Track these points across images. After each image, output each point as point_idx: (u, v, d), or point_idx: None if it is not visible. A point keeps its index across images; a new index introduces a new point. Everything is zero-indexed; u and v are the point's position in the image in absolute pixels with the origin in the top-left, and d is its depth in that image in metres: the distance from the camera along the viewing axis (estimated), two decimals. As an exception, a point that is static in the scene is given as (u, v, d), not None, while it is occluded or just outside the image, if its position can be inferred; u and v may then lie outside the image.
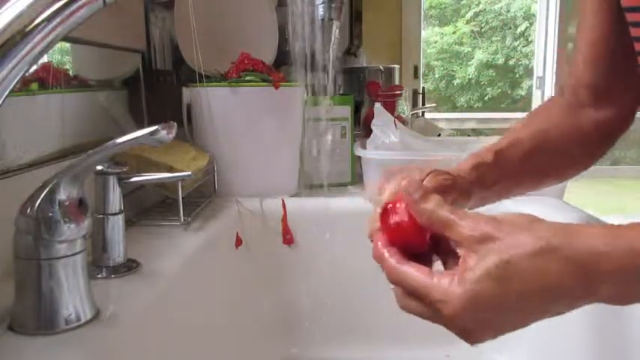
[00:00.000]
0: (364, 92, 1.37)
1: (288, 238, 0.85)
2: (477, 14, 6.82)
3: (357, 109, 1.20)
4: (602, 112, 0.63)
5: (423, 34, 3.00)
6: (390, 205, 0.41)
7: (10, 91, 0.34)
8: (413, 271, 0.38)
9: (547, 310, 0.37)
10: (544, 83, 3.51)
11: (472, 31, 6.85)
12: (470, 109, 6.68)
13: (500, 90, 6.73)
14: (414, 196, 0.39)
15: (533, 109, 0.68)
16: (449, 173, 0.52)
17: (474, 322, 0.36)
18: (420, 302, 0.38)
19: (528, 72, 6.10)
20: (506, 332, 0.37)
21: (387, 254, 0.40)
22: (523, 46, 6.61)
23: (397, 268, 0.39)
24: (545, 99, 3.61)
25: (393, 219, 0.40)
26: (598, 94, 0.63)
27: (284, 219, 0.85)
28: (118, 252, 0.53)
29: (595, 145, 0.65)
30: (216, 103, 0.85)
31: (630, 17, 0.56)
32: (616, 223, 0.37)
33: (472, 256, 0.36)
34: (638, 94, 0.63)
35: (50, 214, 0.40)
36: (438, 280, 0.36)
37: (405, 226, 0.40)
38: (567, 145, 0.63)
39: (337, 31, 0.71)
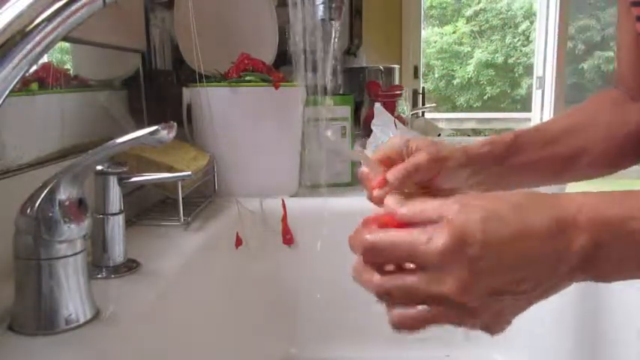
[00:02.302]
0: (364, 92, 1.37)
1: (288, 238, 0.85)
2: (477, 13, 6.82)
3: (357, 109, 1.20)
4: None
5: (423, 33, 3.00)
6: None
7: (10, 91, 0.34)
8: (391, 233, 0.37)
9: (532, 257, 0.35)
10: (544, 83, 3.51)
11: (472, 31, 6.85)
12: (469, 108, 6.67)
13: (499, 89, 6.73)
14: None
15: (585, 101, 0.65)
16: (436, 151, 0.50)
17: (466, 261, 0.34)
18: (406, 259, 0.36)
19: (528, 71, 6.10)
20: (500, 284, 0.35)
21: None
22: (523, 46, 6.61)
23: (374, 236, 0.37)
24: (545, 99, 3.60)
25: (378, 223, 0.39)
26: None
27: (284, 219, 0.85)
28: (118, 252, 0.53)
29: (630, 147, 0.62)
30: (216, 103, 0.85)
31: (637, 11, 0.56)
32: None
33: (455, 208, 0.35)
34: None
35: (50, 214, 0.40)
36: (419, 231, 0.36)
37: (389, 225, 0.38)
38: (600, 141, 0.60)
39: (337, 31, 0.71)
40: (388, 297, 0.37)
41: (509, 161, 0.57)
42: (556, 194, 0.37)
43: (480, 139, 0.60)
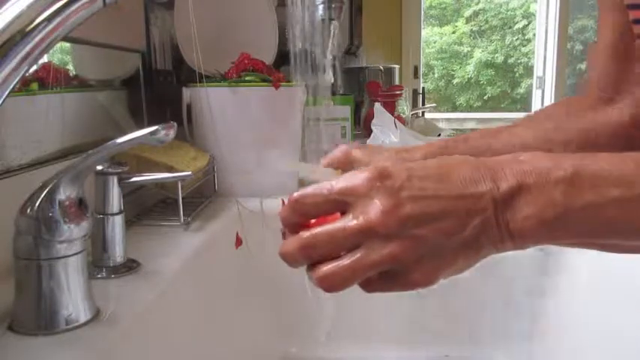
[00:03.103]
0: (364, 92, 1.37)
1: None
2: (476, 13, 6.82)
3: (357, 109, 1.20)
4: (612, 110, 0.63)
5: (423, 33, 3.00)
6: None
7: (10, 91, 0.34)
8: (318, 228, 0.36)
9: (455, 193, 0.35)
10: (544, 83, 3.51)
11: (471, 31, 6.85)
12: (469, 108, 6.68)
13: (499, 89, 6.73)
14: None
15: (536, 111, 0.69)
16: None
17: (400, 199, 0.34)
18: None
19: (528, 71, 6.10)
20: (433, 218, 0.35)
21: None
22: (523, 46, 6.61)
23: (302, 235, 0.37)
24: (545, 99, 3.60)
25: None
26: (610, 91, 0.63)
27: None
28: (118, 252, 0.53)
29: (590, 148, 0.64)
30: (216, 103, 0.85)
31: (633, 15, 0.56)
32: None
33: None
34: None
35: (50, 214, 0.40)
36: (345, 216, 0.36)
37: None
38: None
39: (337, 31, 0.71)
40: (313, 250, 0.36)
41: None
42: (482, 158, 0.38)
43: (419, 145, 0.65)
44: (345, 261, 0.35)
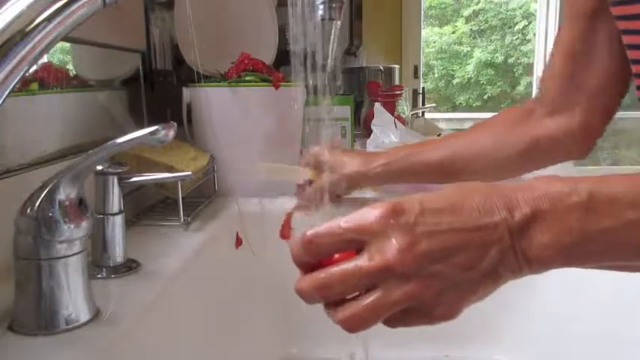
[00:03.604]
0: (364, 92, 1.37)
1: (285, 233, 0.85)
2: (476, 13, 6.82)
3: (357, 109, 1.20)
4: (559, 118, 0.67)
5: (423, 33, 3.00)
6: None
7: (10, 91, 0.34)
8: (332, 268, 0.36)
9: (469, 226, 0.35)
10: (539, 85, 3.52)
11: (471, 30, 6.85)
12: (469, 108, 6.67)
13: (499, 89, 6.73)
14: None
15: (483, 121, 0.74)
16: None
17: (416, 261, 0.34)
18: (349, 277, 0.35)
19: (528, 71, 6.10)
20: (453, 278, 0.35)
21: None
22: (523, 45, 6.61)
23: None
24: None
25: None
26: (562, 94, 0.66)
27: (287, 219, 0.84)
28: (118, 252, 0.53)
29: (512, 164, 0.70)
30: (216, 103, 0.85)
31: (622, 25, 0.56)
32: None
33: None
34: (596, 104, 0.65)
35: (50, 214, 0.40)
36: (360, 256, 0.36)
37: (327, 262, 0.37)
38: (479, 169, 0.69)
39: (337, 31, 0.71)
40: (328, 290, 0.36)
41: (401, 178, 0.71)
42: (494, 183, 0.38)
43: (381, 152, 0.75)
44: (366, 301, 0.35)
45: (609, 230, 0.34)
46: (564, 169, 0.90)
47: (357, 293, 0.36)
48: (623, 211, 0.34)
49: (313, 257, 0.37)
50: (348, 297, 0.36)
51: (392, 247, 0.34)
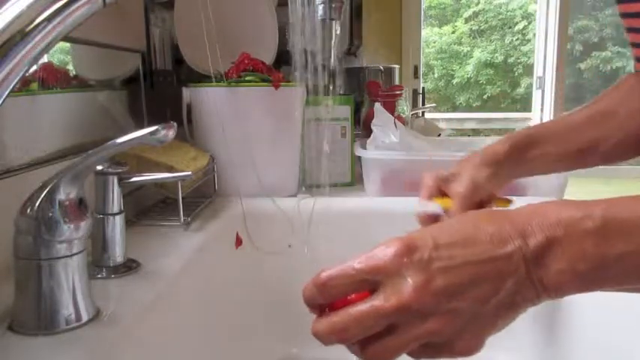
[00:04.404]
0: (364, 92, 1.37)
1: None
2: (476, 13, 6.82)
3: (357, 109, 1.20)
4: None
5: (422, 33, 3.00)
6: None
7: (10, 91, 0.34)
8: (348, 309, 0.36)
9: (483, 257, 0.34)
10: (544, 83, 3.51)
11: (471, 30, 6.85)
12: (469, 108, 6.68)
13: (499, 89, 6.73)
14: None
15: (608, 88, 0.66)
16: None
17: (433, 298, 0.34)
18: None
19: (528, 71, 6.10)
20: (470, 311, 0.34)
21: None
22: (523, 45, 6.61)
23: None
24: (545, 99, 3.59)
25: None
26: None
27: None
28: (118, 252, 0.53)
29: None
30: (216, 103, 0.85)
31: (627, 23, 0.56)
32: None
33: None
34: None
35: (50, 214, 0.40)
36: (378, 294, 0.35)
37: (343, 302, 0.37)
38: (616, 130, 0.62)
39: (337, 31, 0.71)
40: (345, 333, 0.36)
41: (525, 155, 0.61)
42: (502, 210, 0.37)
43: (486, 140, 0.64)
44: (386, 341, 0.35)
45: (624, 255, 0.33)
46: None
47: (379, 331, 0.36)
48: (637, 234, 0.33)
49: (326, 299, 0.37)
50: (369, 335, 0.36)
51: (408, 286, 0.34)
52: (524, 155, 0.62)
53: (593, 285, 0.35)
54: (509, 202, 0.64)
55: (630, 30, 0.56)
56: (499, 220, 0.35)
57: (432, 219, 0.60)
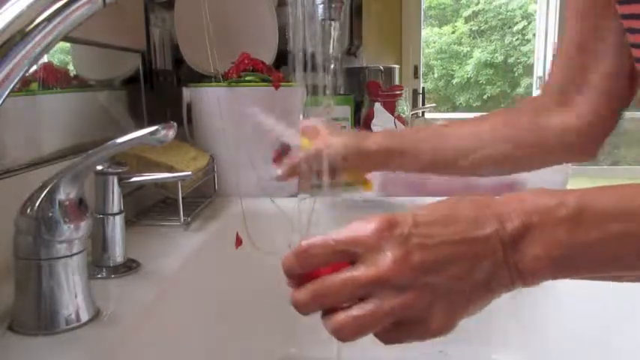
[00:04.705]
0: (364, 92, 1.37)
1: None
2: (476, 14, 6.82)
3: (357, 109, 1.20)
4: (566, 115, 0.66)
5: (422, 34, 3.00)
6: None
7: (10, 91, 0.34)
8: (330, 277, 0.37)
9: (461, 237, 0.35)
10: (544, 82, 3.52)
11: (471, 31, 6.85)
12: (469, 108, 6.68)
13: (499, 89, 6.73)
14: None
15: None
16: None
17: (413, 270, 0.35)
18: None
19: (528, 71, 6.11)
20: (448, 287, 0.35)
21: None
22: (522, 45, 6.62)
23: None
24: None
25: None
26: (565, 95, 0.66)
27: None
28: (118, 252, 0.53)
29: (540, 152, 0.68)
30: (216, 103, 0.85)
31: (627, 24, 0.56)
32: None
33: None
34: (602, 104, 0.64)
35: (50, 214, 0.40)
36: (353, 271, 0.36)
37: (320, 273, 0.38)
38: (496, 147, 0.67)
39: (337, 31, 0.71)
40: (324, 298, 0.36)
41: (388, 163, 0.69)
42: (487, 197, 0.38)
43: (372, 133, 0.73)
44: (359, 311, 0.36)
45: (598, 242, 0.34)
46: (564, 168, 0.90)
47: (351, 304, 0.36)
48: (610, 223, 0.34)
49: (305, 268, 0.38)
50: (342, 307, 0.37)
51: (387, 258, 0.35)
52: (388, 162, 0.69)
53: (568, 272, 0.36)
54: (368, 184, 0.73)
55: (630, 31, 0.56)
56: (479, 204, 0.37)
57: (285, 148, 0.72)
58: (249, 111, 0.75)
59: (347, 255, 0.36)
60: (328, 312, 0.37)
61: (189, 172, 0.65)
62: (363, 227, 0.36)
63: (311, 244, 0.37)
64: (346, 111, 1.00)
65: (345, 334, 0.37)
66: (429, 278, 0.35)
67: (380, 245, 0.35)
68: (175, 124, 0.43)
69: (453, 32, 6.88)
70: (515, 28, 6.62)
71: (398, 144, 0.68)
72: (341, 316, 0.36)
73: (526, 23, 6.43)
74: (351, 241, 0.36)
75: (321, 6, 0.70)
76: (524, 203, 0.36)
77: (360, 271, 0.35)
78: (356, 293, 0.36)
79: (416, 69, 2.84)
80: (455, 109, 6.67)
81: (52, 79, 0.62)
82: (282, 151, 0.72)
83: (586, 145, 0.67)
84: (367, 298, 0.36)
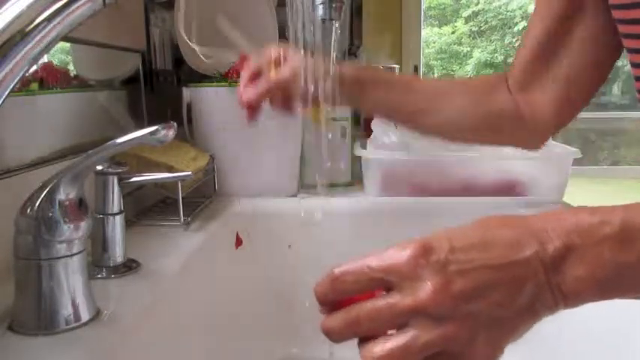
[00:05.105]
0: (364, 92, 1.36)
1: None
2: (476, 14, 6.83)
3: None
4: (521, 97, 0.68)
5: (422, 34, 3.00)
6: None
7: (10, 91, 0.34)
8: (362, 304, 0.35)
9: (501, 262, 0.33)
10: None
11: (471, 31, 6.86)
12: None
13: (499, 90, 6.74)
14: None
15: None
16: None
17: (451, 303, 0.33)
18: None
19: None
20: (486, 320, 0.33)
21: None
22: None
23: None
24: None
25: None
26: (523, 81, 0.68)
27: None
28: (118, 252, 0.53)
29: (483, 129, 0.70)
30: (216, 103, 0.85)
31: (622, 29, 0.56)
32: None
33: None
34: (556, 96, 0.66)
35: (50, 214, 0.40)
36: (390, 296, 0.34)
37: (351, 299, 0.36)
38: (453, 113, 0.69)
39: (337, 31, 0.71)
40: (358, 326, 0.35)
41: (364, 91, 0.69)
42: (522, 215, 0.36)
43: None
44: (395, 343, 0.34)
45: None
46: (563, 168, 0.90)
47: (390, 333, 0.35)
48: None
49: (338, 295, 0.36)
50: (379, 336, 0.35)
51: (426, 287, 0.33)
52: (364, 89, 0.68)
53: (613, 292, 0.34)
54: (318, 109, 0.70)
55: (626, 36, 0.56)
56: (517, 226, 0.35)
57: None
58: (218, 21, 0.73)
59: (382, 282, 0.35)
60: (364, 340, 0.36)
61: (189, 172, 0.65)
62: (398, 253, 0.34)
63: (344, 271, 0.36)
64: (346, 111, 1.00)
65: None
66: (470, 307, 0.33)
67: (416, 273, 0.33)
68: (175, 124, 0.43)
69: (453, 32, 6.88)
70: (515, 29, 6.62)
71: (370, 76, 0.69)
72: (377, 347, 0.35)
73: (525, 24, 6.44)
74: (385, 269, 0.34)
75: (321, 6, 0.70)
76: (564, 223, 0.34)
77: (396, 299, 0.34)
78: (393, 322, 0.34)
79: (416, 69, 2.84)
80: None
81: (52, 79, 0.62)
82: (242, 62, 0.70)
83: (535, 133, 0.69)
84: (404, 328, 0.34)
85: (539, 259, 0.33)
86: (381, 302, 0.34)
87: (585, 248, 0.33)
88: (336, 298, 0.37)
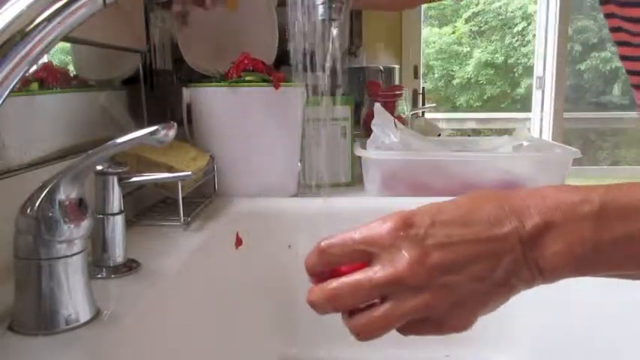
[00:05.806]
0: (364, 92, 1.37)
1: None
2: (475, 14, 6.83)
3: (357, 109, 1.20)
4: None
5: (422, 34, 3.00)
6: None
7: (10, 91, 0.34)
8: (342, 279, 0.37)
9: (481, 236, 0.35)
10: (544, 83, 3.52)
11: (471, 31, 6.86)
12: (469, 108, 6.68)
13: (499, 89, 6.73)
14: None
15: None
16: None
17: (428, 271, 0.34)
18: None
19: (528, 71, 6.11)
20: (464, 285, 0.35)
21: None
22: (523, 46, 6.62)
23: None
24: (545, 99, 3.59)
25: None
26: None
27: None
28: (118, 252, 0.53)
29: None
30: (216, 103, 0.85)
31: (615, 37, 0.56)
32: None
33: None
34: None
35: (50, 214, 0.40)
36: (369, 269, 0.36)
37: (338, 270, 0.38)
38: None
39: (337, 31, 0.71)
40: (339, 300, 0.36)
41: None
42: (509, 191, 0.37)
43: None
44: (377, 311, 0.36)
45: (621, 240, 0.34)
46: (563, 168, 0.90)
47: (371, 303, 0.37)
48: (635, 220, 0.33)
49: (325, 266, 0.38)
50: (361, 307, 0.37)
51: (402, 259, 0.34)
52: None
53: (589, 269, 0.35)
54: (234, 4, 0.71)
55: (612, 30, 0.56)
56: (498, 201, 0.36)
57: None
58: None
59: (365, 254, 0.36)
60: (350, 313, 0.37)
61: (189, 172, 0.65)
62: (380, 227, 0.36)
63: (330, 244, 0.37)
64: (346, 111, 1.00)
65: (365, 334, 0.37)
66: (446, 279, 0.34)
67: (395, 245, 0.35)
68: (175, 124, 0.43)
69: (453, 32, 6.88)
70: (515, 29, 6.62)
71: None
72: (360, 318, 0.36)
73: (526, 24, 6.43)
74: (366, 240, 0.36)
75: (321, 6, 0.70)
76: (545, 200, 0.35)
77: (375, 272, 0.35)
78: (372, 294, 0.36)
79: (416, 69, 2.84)
80: (455, 109, 6.67)
81: (52, 79, 0.62)
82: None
83: None
84: (385, 299, 0.36)
85: (517, 235, 0.34)
86: (359, 275, 0.36)
87: (565, 225, 0.34)
88: (324, 268, 0.38)
